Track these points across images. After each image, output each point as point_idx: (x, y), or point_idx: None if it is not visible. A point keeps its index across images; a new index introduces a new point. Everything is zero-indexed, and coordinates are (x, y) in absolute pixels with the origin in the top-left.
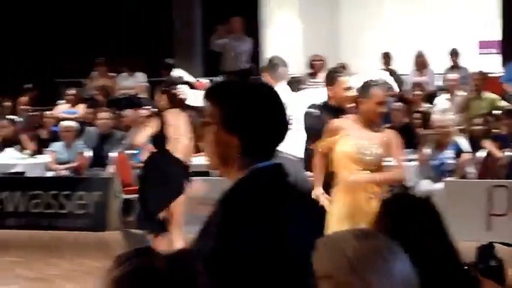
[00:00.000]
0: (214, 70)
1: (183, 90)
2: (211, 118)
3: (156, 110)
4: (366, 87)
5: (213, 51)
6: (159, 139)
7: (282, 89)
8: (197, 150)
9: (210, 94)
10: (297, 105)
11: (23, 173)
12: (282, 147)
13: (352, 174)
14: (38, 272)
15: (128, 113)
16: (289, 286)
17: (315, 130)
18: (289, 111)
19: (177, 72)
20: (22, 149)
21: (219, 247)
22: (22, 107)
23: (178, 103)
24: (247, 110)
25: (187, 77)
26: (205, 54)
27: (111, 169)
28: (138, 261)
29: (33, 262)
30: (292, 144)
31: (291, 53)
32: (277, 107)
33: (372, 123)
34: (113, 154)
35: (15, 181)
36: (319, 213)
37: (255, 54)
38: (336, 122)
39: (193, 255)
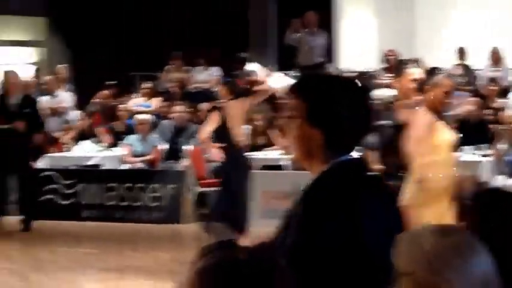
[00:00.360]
0: (288, 64)
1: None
2: (295, 112)
3: (217, 103)
4: (434, 75)
5: (287, 45)
6: (222, 133)
7: None
8: (270, 143)
9: (295, 88)
10: None
11: (98, 165)
12: None
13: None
14: (112, 264)
15: (203, 106)
16: (364, 281)
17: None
18: None
19: (251, 66)
20: (98, 141)
21: (300, 240)
22: (98, 100)
23: (239, 94)
24: (331, 104)
25: (261, 71)
26: (279, 48)
27: (185, 162)
28: (221, 253)
29: (107, 254)
30: None
31: (365, 47)
32: (362, 101)
33: (437, 112)
34: (188, 147)
35: (91, 173)
36: (397, 208)
37: (329, 48)
38: (424, 116)
39: (275, 249)
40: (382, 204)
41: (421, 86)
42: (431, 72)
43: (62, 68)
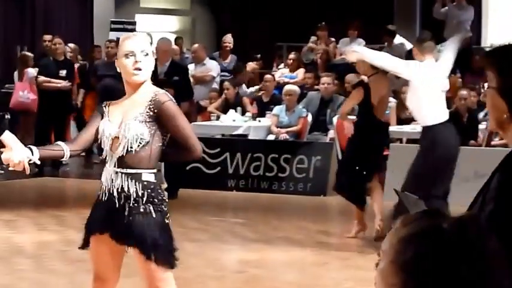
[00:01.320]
0: (433, 37)
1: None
2: (489, 82)
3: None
4: None
5: (431, 19)
6: (365, 108)
7: (427, 64)
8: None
9: (489, 57)
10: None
11: (245, 135)
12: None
13: None
14: (259, 234)
15: (349, 78)
16: None
17: None
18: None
19: (397, 39)
20: (244, 111)
21: (499, 210)
22: (247, 70)
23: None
24: None
25: (407, 44)
26: (424, 21)
27: (331, 134)
28: (427, 221)
29: (255, 224)
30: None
31: None
32: None
33: None
34: (334, 119)
35: (237, 143)
36: None
37: (477, 22)
38: None
39: (479, 218)
40: None
41: None
42: None
43: (229, 38)
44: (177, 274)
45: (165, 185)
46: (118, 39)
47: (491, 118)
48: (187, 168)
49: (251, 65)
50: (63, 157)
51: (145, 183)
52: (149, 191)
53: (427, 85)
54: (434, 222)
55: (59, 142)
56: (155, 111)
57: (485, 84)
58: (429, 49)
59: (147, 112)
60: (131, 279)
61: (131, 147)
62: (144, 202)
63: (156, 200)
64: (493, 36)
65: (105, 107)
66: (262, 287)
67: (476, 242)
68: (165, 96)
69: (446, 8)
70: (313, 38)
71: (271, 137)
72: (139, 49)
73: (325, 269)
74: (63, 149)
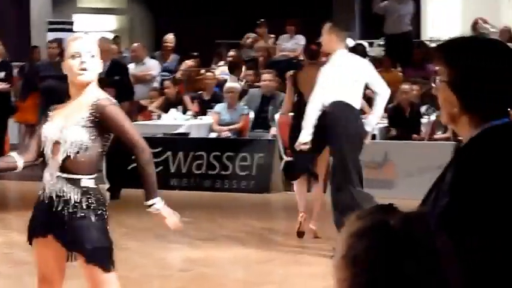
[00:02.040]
0: (373, 32)
1: None
2: (440, 75)
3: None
4: None
5: (373, 14)
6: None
7: (339, 54)
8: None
9: (439, 51)
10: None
11: (187, 134)
12: None
13: None
14: (204, 232)
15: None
16: None
17: None
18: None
19: None
20: (185, 110)
21: (454, 205)
22: (184, 68)
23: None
24: (471, 71)
25: (348, 40)
26: (363, 16)
27: (274, 131)
28: (376, 217)
29: (199, 222)
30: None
31: (450, 15)
32: (508, 65)
33: None
34: (276, 116)
35: (179, 142)
36: None
37: (417, 16)
38: None
39: (428, 215)
40: None
41: None
42: None
43: (170, 37)
44: (122, 274)
45: (107, 186)
46: (60, 39)
47: (443, 112)
48: (129, 168)
49: (187, 63)
50: (16, 169)
51: (84, 189)
52: (88, 196)
53: (337, 75)
54: (382, 218)
55: (11, 153)
56: (97, 115)
57: (437, 78)
58: (343, 39)
59: (89, 117)
60: (76, 281)
61: (71, 153)
62: (83, 207)
63: (95, 205)
64: (432, 30)
65: (50, 110)
66: (209, 285)
67: (422, 238)
68: (107, 101)
69: (386, 2)
70: (252, 35)
71: (213, 135)
72: (85, 50)
73: (272, 266)
74: (16, 161)
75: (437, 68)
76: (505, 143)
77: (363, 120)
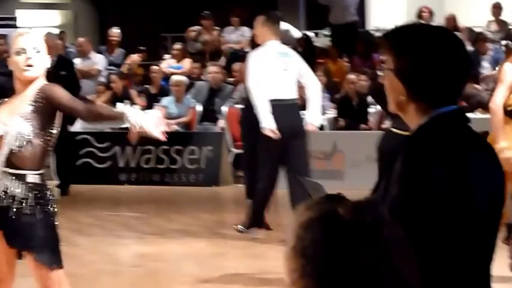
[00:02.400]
0: (318, 23)
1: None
2: (387, 64)
3: None
4: None
5: (316, 4)
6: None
7: (273, 45)
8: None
9: (385, 39)
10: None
11: None
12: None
13: None
14: (155, 227)
15: (237, 66)
16: (471, 231)
17: None
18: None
19: (283, 26)
20: (132, 104)
21: (404, 192)
22: (131, 62)
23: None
24: (417, 59)
25: (294, 31)
26: (308, 7)
27: (222, 124)
28: (325, 207)
29: (150, 217)
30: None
31: (396, 4)
32: (454, 52)
33: None
34: (224, 108)
35: (127, 136)
36: (499, 161)
37: (361, 6)
38: None
39: (378, 203)
40: (487, 156)
41: None
42: None
43: (116, 31)
44: (72, 271)
45: (56, 182)
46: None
47: (391, 100)
48: (78, 163)
49: (133, 57)
50: None
51: (30, 185)
52: (35, 192)
53: (267, 65)
54: (331, 207)
55: None
56: (41, 99)
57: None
58: (275, 30)
59: (32, 105)
60: (27, 278)
61: (14, 146)
62: (29, 204)
63: (42, 201)
64: (377, 19)
65: None
66: (161, 281)
67: (372, 227)
68: (50, 85)
69: None
70: (198, 28)
71: None
72: (30, 46)
73: (224, 259)
74: None
75: (383, 57)
76: (452, 131)
77: (305, 117)
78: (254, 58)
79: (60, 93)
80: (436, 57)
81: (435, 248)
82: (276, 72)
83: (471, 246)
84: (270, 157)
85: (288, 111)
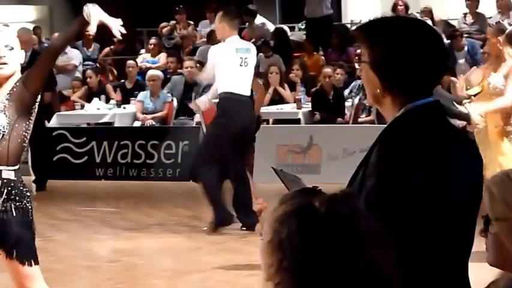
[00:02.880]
0: (293, 17)
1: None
2: (363, 56)
3: None
4: None
5: None
6: None
7: (233, 40)
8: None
9: (360, 32)
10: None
11: (111, 123)
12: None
13: None
14: (132, 222)
15: None
16: (448, 223)
17: None
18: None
19: (258, 19)
20: (108, 99)
21: (380, 184)
22: (105, 57)
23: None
24: (392, 51)
25: (269, 24)
26: (284, 0)
27: (198, 118)
28: (301, 200)
29: (126, 212)
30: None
31: None
32: (430, 44)
33: None
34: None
35: (103, 131)
36: (477, 152)
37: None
38: None
39: (354, 196)
40: (464, 147)
41: None
42: None
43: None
44: (49, 266)
45: (33, 178)
46: None
47: (367, 93)
48: (54, 159)
49: (110, 51)
50: None
51: (5, 180)
52: (9, 188)
53: (227, 59)
54: (307, 201)
55: None
56: (18, 88)
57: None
58: (235, 27)
59: (8, 98)
60: (2, 273)
61: None
62: (3, 200)
63: (17, 198)
64: (353, 13)
65: None
66: (138, 275)
67: (348, 220)
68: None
69: None
70: (172, 22)
71: (137, 124)
72: (2, 44)
73: (200, 254)
74: None
75: (359, 50)
76: (428, 123)
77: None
78: (211, 53)
79: (29, 70)
80: (412, 49)
81: (412, 240)
82: (231, 67)
83: (448, 238)
84: (214, 146)
85: (240, 107)
